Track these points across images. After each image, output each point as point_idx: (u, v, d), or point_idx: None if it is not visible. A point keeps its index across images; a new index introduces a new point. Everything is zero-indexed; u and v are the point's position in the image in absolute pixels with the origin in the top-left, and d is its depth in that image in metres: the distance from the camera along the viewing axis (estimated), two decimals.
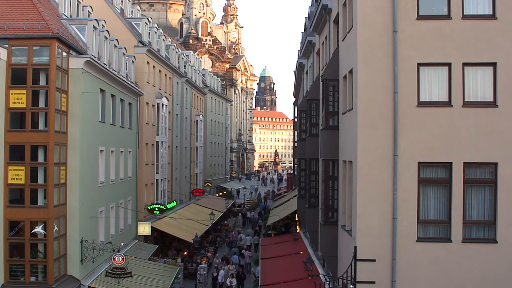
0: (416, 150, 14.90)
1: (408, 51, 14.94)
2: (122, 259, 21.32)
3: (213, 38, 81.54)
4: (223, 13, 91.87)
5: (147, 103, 34.26)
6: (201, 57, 72.02)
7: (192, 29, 79.15)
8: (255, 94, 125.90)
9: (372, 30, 15.07)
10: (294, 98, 47.75)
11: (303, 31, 36.12)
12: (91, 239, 22.28)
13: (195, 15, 79.81)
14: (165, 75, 39.58)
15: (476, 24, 14.93)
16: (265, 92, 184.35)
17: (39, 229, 20.07)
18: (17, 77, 20.40)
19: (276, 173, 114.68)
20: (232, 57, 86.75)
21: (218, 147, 67.36)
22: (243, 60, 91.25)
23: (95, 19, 24.88)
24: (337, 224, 18.60)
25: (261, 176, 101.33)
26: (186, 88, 46.84)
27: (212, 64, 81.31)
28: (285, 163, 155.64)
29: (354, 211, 15.51)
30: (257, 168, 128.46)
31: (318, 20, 23.31)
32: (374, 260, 14.85)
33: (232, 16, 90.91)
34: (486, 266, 14.74)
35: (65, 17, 24.54)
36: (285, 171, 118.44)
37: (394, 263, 14.79)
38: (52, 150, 20.13)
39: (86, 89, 22.37)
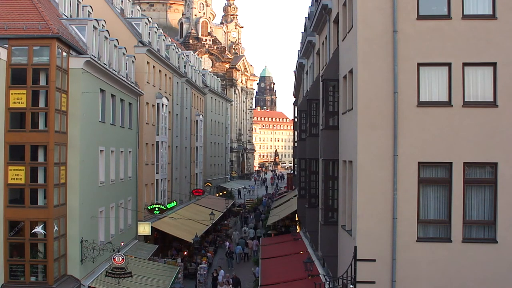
0: (416, 150, 14.91)
1: (408, 51, 14.94)
2: (122, 259, 21.32)
3: (213, 38, 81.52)
4: (223, 13, 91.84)
5: (147, 103, 34.26)
6: (201, 57, 72.02)
7: (192, 29, 79.13)
8: (255, 94, 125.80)
9: (372, 30, 15.08)
10: (294, 98, 47.75)
11: (303, 31, 36.13)
12: (91, 239, 22.28)
13: (195, 15, 79.79)
14: (165, 75, 39.58)
15: (476, 24, 14.94)
16: (265, 92, 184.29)
17: (39, 229, 20.06)
18: (17, 77, 20.39)
19: (273, 173, 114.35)
20: (232, 57, 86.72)
21: (218, 147, 67.36)
22: (243, 60, 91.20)
23: (95, 19, 24.88)
24: (337, 224, 18.60)
25: (254, 176, 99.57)
26: (186, 88, 46.84)
27: (212, 64, 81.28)
28: (285, 163, 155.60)
29: (354, 211, 15.51)
30: (257, 168, 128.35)
31: (318, 20, 23.32)
32: (374, 260, 14.86)
33: (232, 16, 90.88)
34: (486, 266, 14.74)
35: (65, 17, 24.54)
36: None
37: (394, 263, 14.79)
38: (52, 150, 20.13)
39: (86, 89, 22.37)
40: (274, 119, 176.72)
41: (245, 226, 47.75)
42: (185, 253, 35.39)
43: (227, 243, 39.61)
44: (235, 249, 38.27)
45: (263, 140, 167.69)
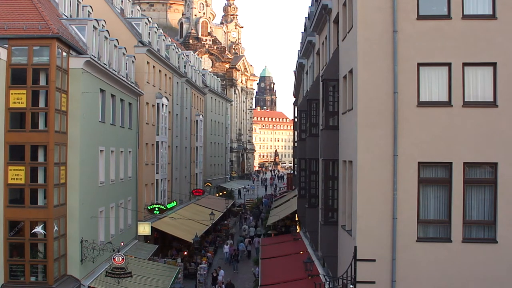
0: (416, 150, 14.91)
1: (408, 51, 14.94)
2: (122, 259, 21.31)
3: (213, 38, 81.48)
4: (223, 13, 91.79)
5: (147, 103, 34.27)
6: (201, 57, 72.01)
7: (192, 29, 79.10)
8: (255, 94, 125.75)
9: (372, 30, 15.08)
10: (294, 98, 47.75)
11: (303, 31, 36.13)
12: (91, 239, 22.28)
13: (195, 15, 79.75)
14: (165, 75, 39.58)
15: (476, 24, 14.94)
16: (265, 92, 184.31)
17: (39, 229, 20.06)
18: (17, 77, 20.39)
19: (272, 173, 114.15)
20: (232, 57, 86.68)
21: (218, 147, 67.36)
22: (243, 60, 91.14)
23: (95, 19, 24.88)
24: (337, 224, 18.61)
25: (253, 177, 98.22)
26: (186, 88, 46.84)
27: (212, 64, 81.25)
28: (285, 163, 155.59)
29: (354, 211, 15.51)
30: (257, 168, 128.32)
31: (318, 20, 23.32)
32: (374, 260, 14.86)
33: (232, 16, 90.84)
34: (486, 266, 14.74)
35: (65, 17, 24.53)
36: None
37: (394, 263, 14.79)
38: (52, 150, 20.12)
39: (86, 89, 22.37)
40: (274, 119, 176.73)
41: (245, 224, 47.87)
42: (185, 253, 35.38)
43: (227, 246, 38.55)
44: (239, 246, 38.46)
45: (263, 140, 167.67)
